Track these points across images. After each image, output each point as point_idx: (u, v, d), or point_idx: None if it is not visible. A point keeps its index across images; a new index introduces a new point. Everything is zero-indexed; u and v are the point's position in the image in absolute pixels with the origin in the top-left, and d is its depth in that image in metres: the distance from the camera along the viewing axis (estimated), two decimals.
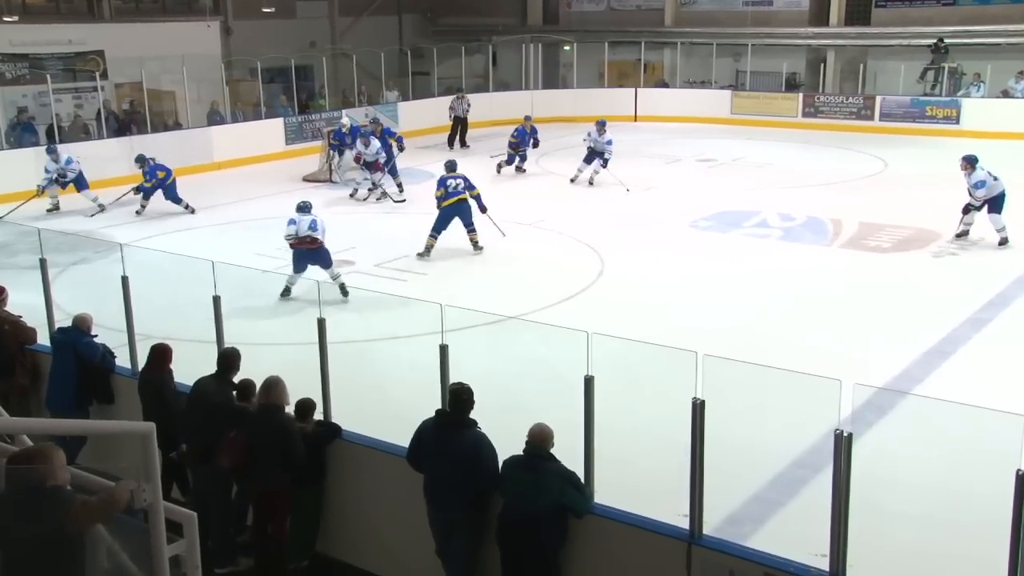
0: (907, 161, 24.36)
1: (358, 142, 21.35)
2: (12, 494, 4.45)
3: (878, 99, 28.95)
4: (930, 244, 16.84)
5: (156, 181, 19.89)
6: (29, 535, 4.32)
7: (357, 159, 21.34)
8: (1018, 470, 5.31)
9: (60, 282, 12.11)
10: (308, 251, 13.90)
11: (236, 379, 8.37)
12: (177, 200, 20.20)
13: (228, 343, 8.79)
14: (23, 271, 11.89)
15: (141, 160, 20.07)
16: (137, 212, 20.06)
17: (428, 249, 16.46)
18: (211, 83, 26.65)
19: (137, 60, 24.73)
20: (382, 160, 21.17)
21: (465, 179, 16.83)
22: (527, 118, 24.22)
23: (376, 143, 21.14)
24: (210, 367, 8.42)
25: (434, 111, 28.33)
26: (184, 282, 10.79)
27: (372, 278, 15.12)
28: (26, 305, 10.57)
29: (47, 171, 19.71)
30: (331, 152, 23.46)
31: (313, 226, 13.91)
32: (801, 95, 30.43)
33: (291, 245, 14.02)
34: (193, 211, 20.19)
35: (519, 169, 23.90)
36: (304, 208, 14.32)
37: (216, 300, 9.01)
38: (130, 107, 25.62)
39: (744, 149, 26.09)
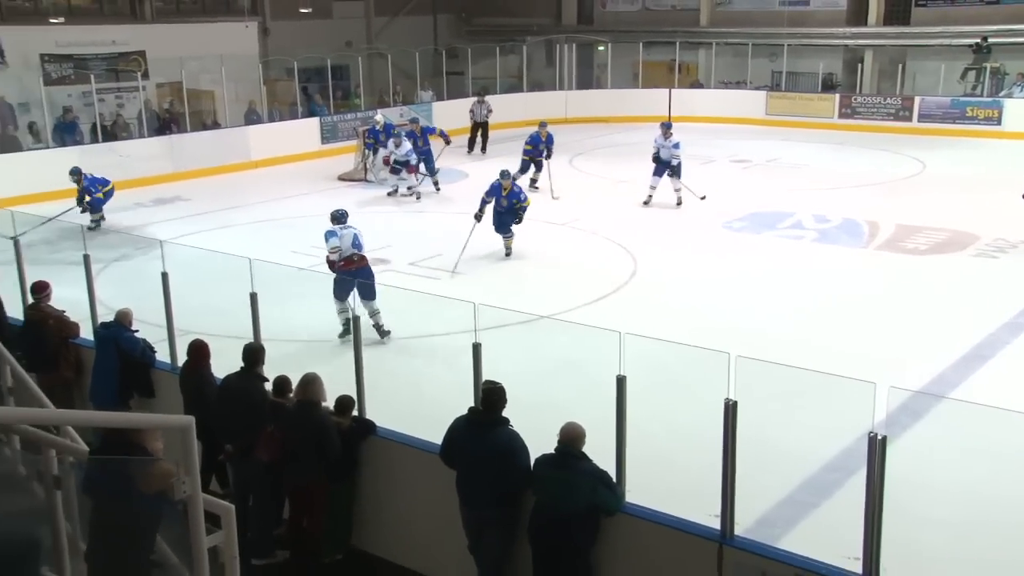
0: (946, 163, 24.13)
1: (390, 142, 21.25)
2: (108, 450, 4.72)
3: (917, 100, 28.66)
4: (968, 247, 16.66)
5: (104, 192, 18.70)
6: (117, 491, 4.56)
7: (386, 160, 21.23)
8: None
9: (102, 278, 12.24)
10: (355, 271, 12.25)
11: (268, 375, 8.45)
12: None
13: (264, 339, 8.87)
14: (67, 267, 12.01)
15: (76, 173, 18.56)
16: (91, 228, 17.85)
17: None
18: (249, 83, 26.76)
19: (177, 60, 24.85)
20: (413, 161, 20.97)
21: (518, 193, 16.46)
22: (542, 124, 22.44)
23: (407, 144, 20.94)
24: None
25: (468, 111, 28.36)
26: (222, 279, 10.87)
27: (406, 276, 15.16)
28: (70, 300, 10.69)
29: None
30: (366, 151, 23.51)
31: (356, 242, 12.49)
32: (838, 96, 30.22)
33: (337, 267, 12.31)
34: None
35: (532, 184, 21.61)
36: (341, 218, 12.87)
37: (253, 297, 9.10)
38: (170, 106, 25.78)
39: (779, 150, 25.95)
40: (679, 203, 20.22)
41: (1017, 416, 6.55)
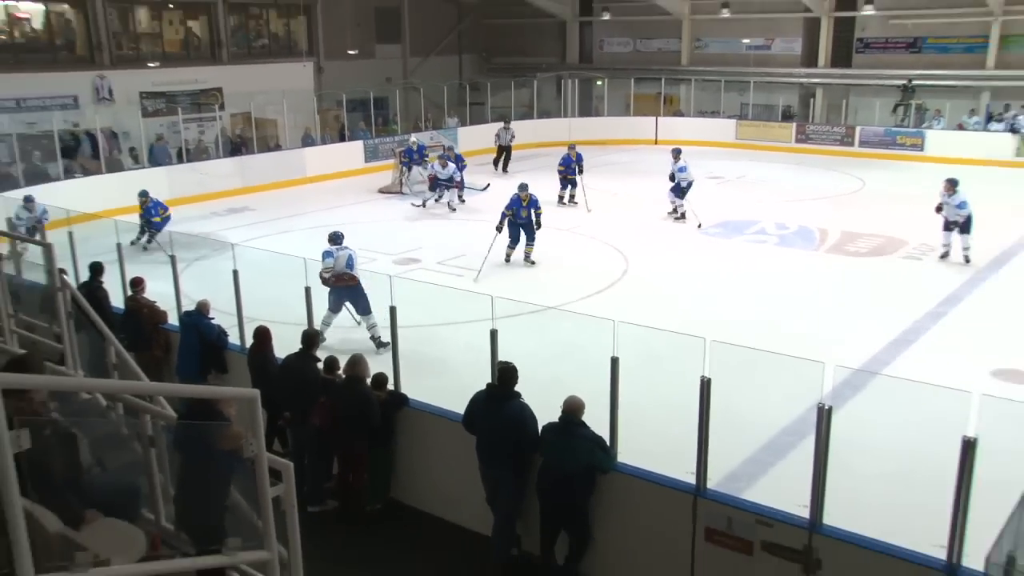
0: (881, 181, 24.01)
1: (436, 163, 20.98)
2: (192, 416, 4.82)
3: (858, 129, 28.60)
4: (899, 250, 16.64)
5: (163, 217, 17.71)
6: (200, 447, 4.64)
7: (431, 178, 20.93)
8: (964, 437, 5.32)
9: (186, 275, 12.26)
10: (346, 288, 11.50)
11: (321, 355, 8.50)
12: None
13: (317, 326, 8.90)
14: (157, 265, 12.06)
15: (144, 195, 17.72)
16: (145, 247, 17.12)
17: (507, 257, 16.00)
18: (305, 112, 26.83)
19: (247, 94, 25.03)
20: (457, 178, 20.85)
21: (533, 204, 15.97)
22: (572, 147, 21.70)
23: (452, 166, 20.77)
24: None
25: (488, 135, 28.20)
26: (282, 275, 10.89)
27: (435, 273, 15.17)
28: (159, 293, 10.82)
29: (19, 219, 16.00)
30: (402, 168, 23.47)
31: (350, 263, 11.53)
32: (794, 124, 30.08)
33: (330, 283, 11.45)
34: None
35: (571, 200, 21.21)
36: (337, 239, 11.88)
37: (307, 290, 9.14)
38: (241, 132, 25.90)
39: (747, 169, 25.85)
40: (682, 216, 19.48)
41: (935, 388, 6.58)
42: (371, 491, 8.21)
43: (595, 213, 20.23)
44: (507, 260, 16.06)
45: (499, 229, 15.82)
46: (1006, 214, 18.99)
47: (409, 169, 23.31)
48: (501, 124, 27.23)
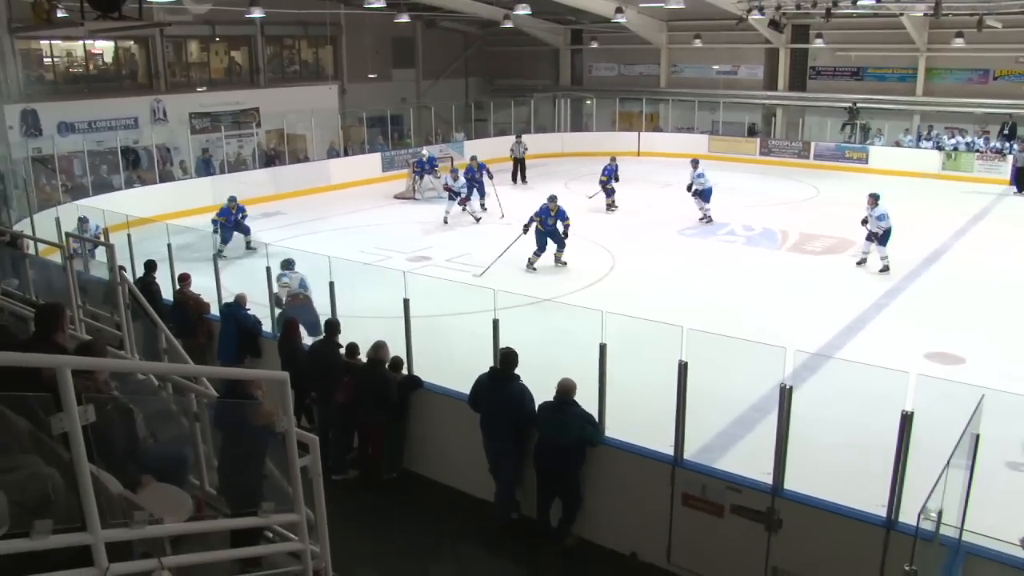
0: (833, 189, 23.95)
1: (447, 175, 20.34)
2: (231, 395, 4.85)
3: (812, 144, 28.61)
4: (849, 249, 16.58)
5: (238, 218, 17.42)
6: (238, 423, 4.68)
7: (446, 187, 20.35)
8: (902, 411, 5.35)
9: (226, 271, 12.26)
10: (300, 306, 10.58)
11: (342, 342, 8.47)
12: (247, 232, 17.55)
13: (340, 316, 8.89)
14: (202, 263, 12.08)
15: (233, 200, 17.50)
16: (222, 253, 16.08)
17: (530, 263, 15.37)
18: (330, 128, 26.79)
19: (281, 114, 25.01)
20: (464, 194, 19.77)
21: (560, 214, 15.37)
22: (612, 158, 21.55)
23: (463, 179, 19.93)
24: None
25: (490, 148, 28.02)
26: (309, 271, 10.88)
27: (444, 269, 15.17)
28: (203, 287, 10.82)
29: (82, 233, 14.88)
30: (415, 177, 23.37)
31: (303, 284, 10.96)
32: (758, 139, 30.06)
33: (285, 302, 10.62)
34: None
35: (612, 206, 20.94)
36: (289, 265, 11.15)
37: (331, 285, 9.12)
38: (275, 146, 25.94)
39: (717, 178, 25.57)
40: (709, 220, 19.37)
41: (878, 369, 6.59)
42: (387, 462, 8.19)
43: (586, 216, 20.10)
44: (529, 267, 15.33)
45: (525, 230, 15.35)
46: (935, 218, 19.23)
47: (421, 178, 23.24)
48: (514, 140, 26.28)
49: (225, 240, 16.99)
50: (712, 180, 19.72)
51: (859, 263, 15.53)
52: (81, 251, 10.19)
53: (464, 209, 20.10)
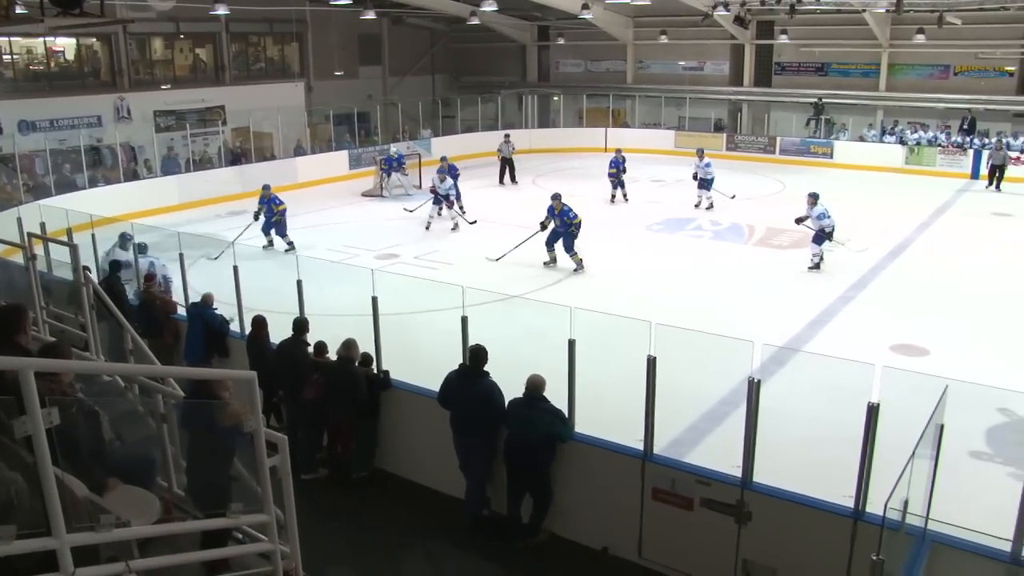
0: (799, 184, 23.83)
1: (435, 176, 19.27)
2: (198, 396, 4.77)
3: (778, 139, 28.84)
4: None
5: (279, 211, 16.75)
6: (205, 423, 4.63)
7: (432, 190, 19.23)
8: (868, 403, 5.43)
9: (192, 270, 12.12)
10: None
11: (310, 340, 8.43)
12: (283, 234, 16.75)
13: (307, 314, 8.83)
14: (168, 262, 11.92)
15: (267, 188, 17.11)
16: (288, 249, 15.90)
17: (554, 260, 15.24)
18: (297, 126, 26.56)
19: (247, 111, 24.89)
20: (452, 196, 18.93)
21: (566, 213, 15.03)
22: (618, 151, 22.18)
23: (450, 180, 18.99)
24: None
25: (458, 144, 28.00)
26: (277, 269, 10.80)
27: (412, 267, 15.12)
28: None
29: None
30: (382, 174, 23.23)
31: (154, 267, 10.69)
32: (724, 135, 30.26)
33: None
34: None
35: (624, 198, 21.49)
36: (127, 243, 10.90)
37: (299, 283, 9.05)
38: (241, 144, 25.73)
39: (685, 173, 25.67)
40: (710, 207, 20.37)
41: (844, 362, 6.66)
42: (358, 461, 8.15)
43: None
44: (549, 262, 15.28)
45: (543, 227, 15.17)
46: (898, 212, 19.48)
47: (388, 175, 23.13)
48: (503, 138, 25.47)
49: (265, 231, 16.82)
50: (715, 171, 20.70)
51: (811, 268, 14.92)
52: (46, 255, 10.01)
53: (453, 212, 19.02)
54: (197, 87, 27.19)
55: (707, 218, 19.30)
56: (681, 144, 29.98)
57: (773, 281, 14.40)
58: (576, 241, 15.11)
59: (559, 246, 15.23)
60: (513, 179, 24.99)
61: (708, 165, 20.38)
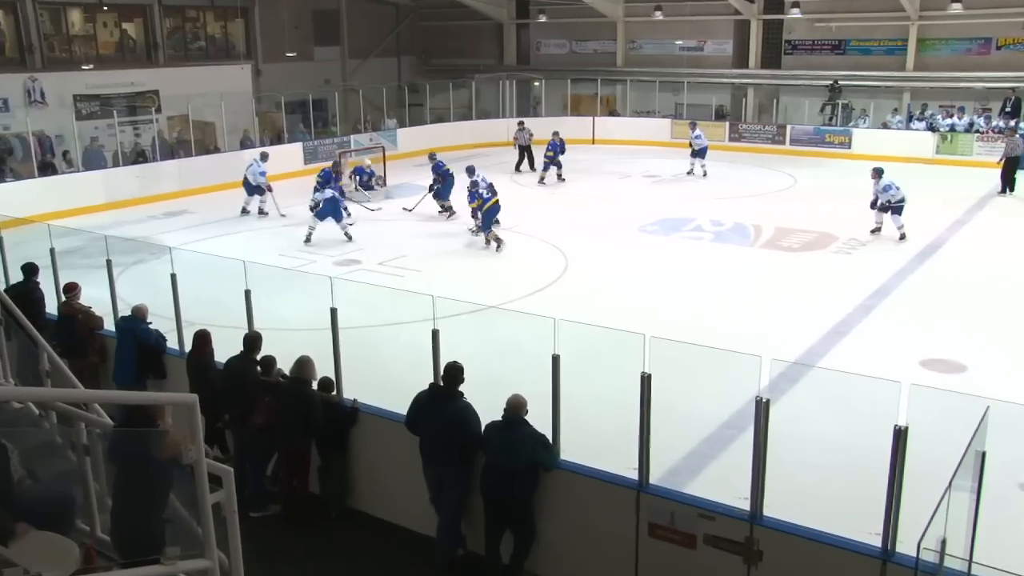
0: (812, 178, 24.38)
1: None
2: (129, 424, 4.69)
3: (788, 127, 29.01)
4: (830, 245, 16.91)
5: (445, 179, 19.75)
6: (138, 456, 4.53)
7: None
8: (895, 426, 5.38)
9: (122, 279, 12.02)
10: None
11: (259, 357, 8.36)
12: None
13: (258, 328, 8.76)
14: (92, 270, 11.78)
15: (432, 158, 20.09)
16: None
17: (492, 240, 16.79)
18: (244, 115, 26.45)
19: (185, 97, 24.66)
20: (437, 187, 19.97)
21: (489, 186, 17.25)
22: (556, 133, 23.94)
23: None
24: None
25: (427, 136, 27.98)
26: (222, 278, 10.68)
27: (376, 274, 15.05)
28: (95, 298, 10.52)
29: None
30: (355, 178, 22.45)
31: None
32: (727, 123, 30.42)
33: None
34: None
35: (559, 178, 23.77)
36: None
37: (247, 293, 8.97)
38: (178, 135, 25.56)
39: (682, 167, 25.94)
40: (704, 175, 24.37)
41: (867, 379, 6.66)
42: (331, 500, 8.10)
43: (535, 211, 20.12)
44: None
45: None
46: (929, 209, 19.39)
47: (360, 188, 22.75)
48: (518, 126, 26.85)
49: (320, 215, 17.76)
50: (707, 140, 24.46)
51: (873, 231, 17.39)
52: None
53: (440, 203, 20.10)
54: (125, 68, 27.02)
55: (707, 218, 19.38)
56: (678, 135, 30.04)
57: (783, 288, 14.46)
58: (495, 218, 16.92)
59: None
60: (532, 166, 25.74)
61: (699, 136, 24.14)
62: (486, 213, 16.81)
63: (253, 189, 20.43)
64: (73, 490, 4.81)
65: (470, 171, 17.68)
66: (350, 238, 17.76)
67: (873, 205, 17.41)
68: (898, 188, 17.16)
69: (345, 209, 18.39)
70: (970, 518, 5.31)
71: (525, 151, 25.97)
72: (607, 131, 31.22)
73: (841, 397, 8.98)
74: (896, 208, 17.11)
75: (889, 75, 28.80)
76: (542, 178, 23.63)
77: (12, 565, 3.35)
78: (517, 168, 25.80)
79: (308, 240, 17.57)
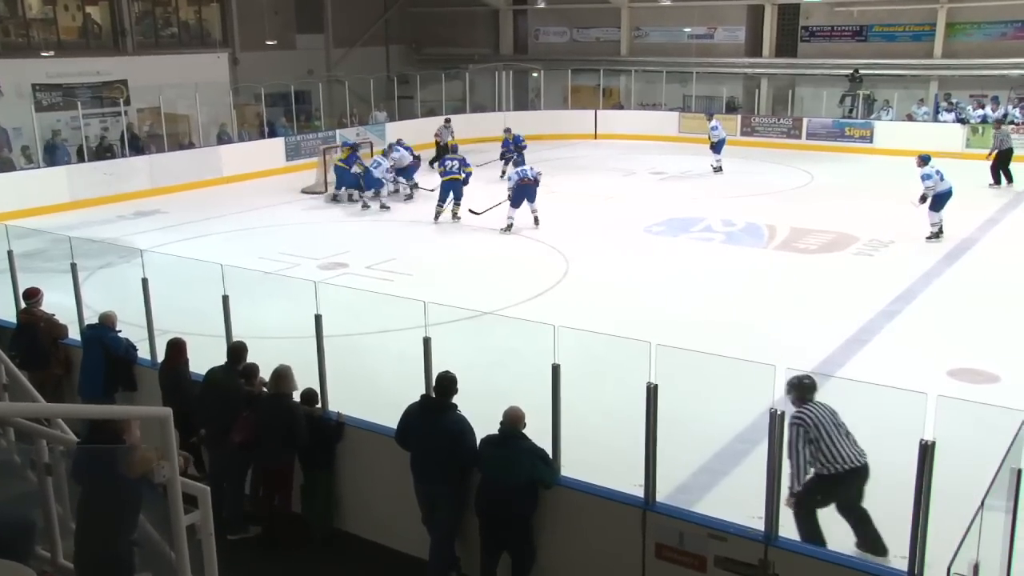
0: (829, 175, 24.42)
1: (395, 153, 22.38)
2: (95, 440, 4.66)
3: (804, 120, 29.10)
4: (849, 247, 16.91)
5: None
6: (103, 476, 4.52)
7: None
8: (921, 440, 5.36)
9: (89, 284, 12.02)
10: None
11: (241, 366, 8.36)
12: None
13: (236, 336, 8.75)
14: (56, 274, 11.75)
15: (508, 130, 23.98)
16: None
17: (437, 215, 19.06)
18: (220, 107, 26.49)
19: (156, 88, 24.60)
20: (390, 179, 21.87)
21: (461, 160, 19.15)
22: (507, 130, 24.84)
23: (387, 163, 21.73)
24: (220, 358, 8.39)
25: (416, 130, 28.03)
26: (197, 283, 10.66)
27: (363, 278, 15.05)
28: (59, 305, 10.47)
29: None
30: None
31: None
32: (739, 116, 30.47)
33: None
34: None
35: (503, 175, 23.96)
36: None
37: (225, 299, 8.96)
38: (149, 129, 25.51)
39: (691, 164, 26.02)
40: (719, 169, 24.86)
41: (890, 390, 6.66)
42: (316, 521, 8.07)
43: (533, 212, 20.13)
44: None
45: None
46: (958, 208, 19.32)
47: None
48: (442, 123, 27.11)
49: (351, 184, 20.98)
50: (726, 132, 25.14)
51: (929, 238, 17.10)
52: None
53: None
54: (90, 55, 26.94)
55: (718, 217, 19.41)
56: (686, 129, 30.20)
57: (799, 292, 14.47)
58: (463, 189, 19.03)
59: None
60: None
61: (716, 128, 24.77)
62: (443, 184, 19.07)
63: (373, 182, 21.14)
64: (32, 513, 4.79)
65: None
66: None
67: (923, 200, 16.96)
68: (941, 178, 16.83)
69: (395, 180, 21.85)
70: (1005, 540, 5.26)
71: (444, 151, 25.07)
72: (610, 125, 31.29)
73: (862, 409, 8.95)
74: (937, 202, 16.85)
75: (915, 63, 28.82)
76: (503, 172, 23.75)
77: None
78: (431, 164, 25.30)
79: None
